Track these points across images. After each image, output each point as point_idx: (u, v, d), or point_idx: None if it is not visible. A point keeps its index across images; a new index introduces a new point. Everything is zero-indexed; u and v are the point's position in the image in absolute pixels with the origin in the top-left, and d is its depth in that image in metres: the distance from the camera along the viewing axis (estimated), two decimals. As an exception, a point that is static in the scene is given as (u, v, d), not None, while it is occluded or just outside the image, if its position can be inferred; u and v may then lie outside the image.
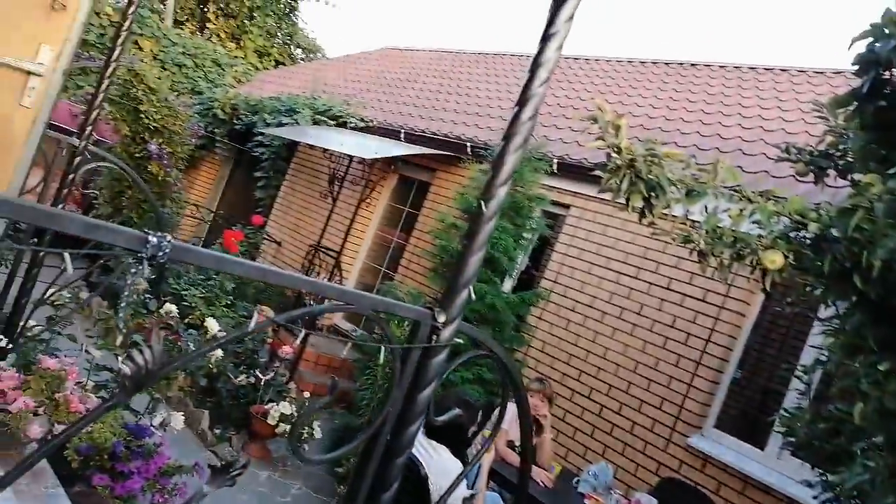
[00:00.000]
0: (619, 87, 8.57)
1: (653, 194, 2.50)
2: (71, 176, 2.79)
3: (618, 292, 5.76)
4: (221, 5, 14.96)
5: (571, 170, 6.30)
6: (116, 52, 2.78)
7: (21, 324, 2.72)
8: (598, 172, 2.70)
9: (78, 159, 2.75)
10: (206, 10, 14.91)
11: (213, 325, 3.61)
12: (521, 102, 1.24)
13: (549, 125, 7.49)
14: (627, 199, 2.60)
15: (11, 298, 3.01)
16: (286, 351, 5.30)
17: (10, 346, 2.71)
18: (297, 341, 6.34)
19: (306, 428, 5.13)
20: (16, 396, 2.51)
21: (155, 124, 7.17)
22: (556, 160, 6.32)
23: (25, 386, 2.58)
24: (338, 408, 6.61)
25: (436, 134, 7.86)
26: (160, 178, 7.30)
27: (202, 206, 10.43)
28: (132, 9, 2.76)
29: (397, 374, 1.21)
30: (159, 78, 7.39)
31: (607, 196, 2.71)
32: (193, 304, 5.68)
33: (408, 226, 8.14)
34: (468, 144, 7.27)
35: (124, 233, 0.82)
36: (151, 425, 3.14)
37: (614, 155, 2.46)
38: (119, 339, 3.15)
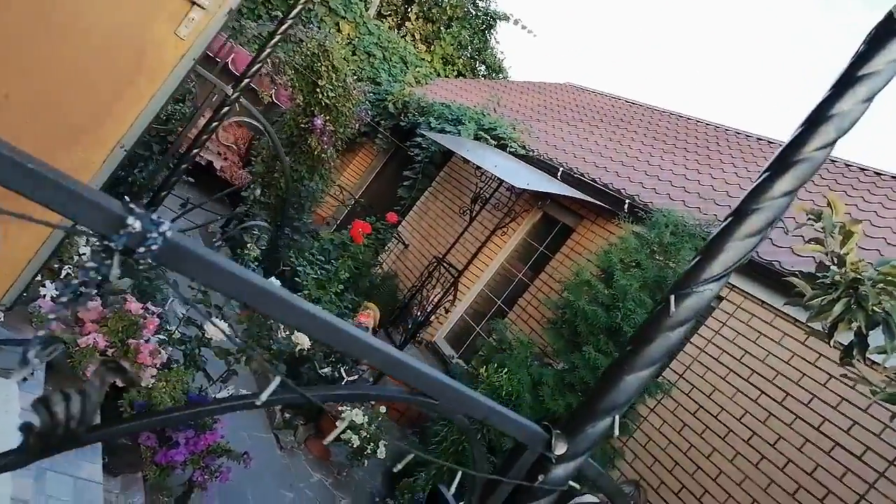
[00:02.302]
0: (854, 191, 7.18)
1: (871, 333, 1.88)
2: (215, 123, 2.65)
3: (753, 413, 4.92)
4: (425, 8, 15.40)
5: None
6: (294, 12, 2.61)
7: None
8: (793, 280, 2.10)
9: (226, 109, 2.61)
10: (409, 9, 15.42)
11: (304, 340, 3.39)
12: (777, 168, 0.79)
13: (724, 204, 6.71)
14: (832, 328, 1.98)
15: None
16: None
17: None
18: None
19: (371, 444, 4.83)
20: (91, 330, 2.40)
21: (327, 100, 7.30)
22: (721, 244, 5.58)
23: (103, 323, 2.47)
24: (411, 430, 6.27)
25: (595, 181, 7.34)
26: (316, 152, 7.42)
27: (347, 190, 10.63)
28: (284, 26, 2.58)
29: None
30: (345, 59, 7.52)
31: (794, 311, 2.08)
32: (305, 283, 5.61)
33: (538, 266, 7.67)
34: (627, 201, 6.69)
35: (89, 203, 0.49)
36: (215, 397, 2.95)
37: (833, 267, 1.87)
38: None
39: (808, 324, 2.03)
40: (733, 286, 5.55)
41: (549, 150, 8.71)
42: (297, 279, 5.61)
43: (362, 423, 4.88)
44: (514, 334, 5.26)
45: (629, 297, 4.79)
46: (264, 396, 0.63)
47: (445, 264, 7.66)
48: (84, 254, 2.39)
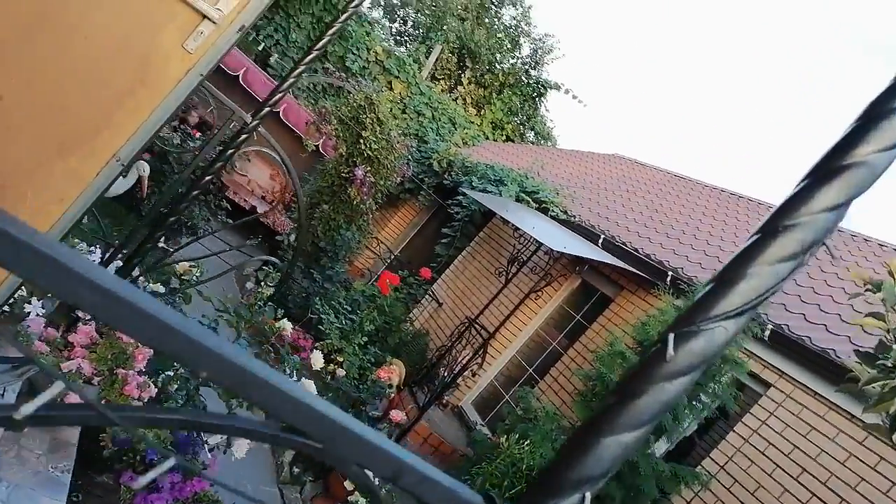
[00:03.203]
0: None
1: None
2: (231, 150, 2.57)
3: (802, 516, 4.41)
4: (478, 74, 15.74)
5: (791, 346, 5.09)
6: (320, 44, 2.56)
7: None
8: (848, 363, 1.81)
9: (244, 136, 2.53)
10: (462, 74, 15.79)
11: (317, 358, 3.21)
12: (820, 174, 0.58)
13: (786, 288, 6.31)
14: (894, 421, 1.68)
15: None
16: (395, 417, 4.79)
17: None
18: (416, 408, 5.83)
19: (378, 509, 4.50)
20: (79, 355, 2.28)
21: (370, 152, 7.34)
22: (770, 326, 5.19)
23: (92, 349, 2.35)
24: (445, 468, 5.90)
25: (637, 250, 7.07)
26: (355, 202, 7.41)
27: (384, 243, 10.59)
28: (344, 16, 2.53)
29: None
30: (391, 113, 7.61)
31: (850, 404, 1.81)
32: (328, 331, 5.45)
33: (573, 335, 7.34)
34: (671, 273, 6.37)
35: None
36: (206, 441, 2.76)
37: (895, 347, 1.60)
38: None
39: (865, 414, 1.73)
40: (782, 372, 5.13)
41: (591, 216, 8.51)
42: (320, 327, 5.47)
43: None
44: (542, 404, 4.93)
45: (665, 373, 4.44)
46: (29, 409, 0.45)
47: (477, 325, 7.42)
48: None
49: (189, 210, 6.31)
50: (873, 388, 1.66)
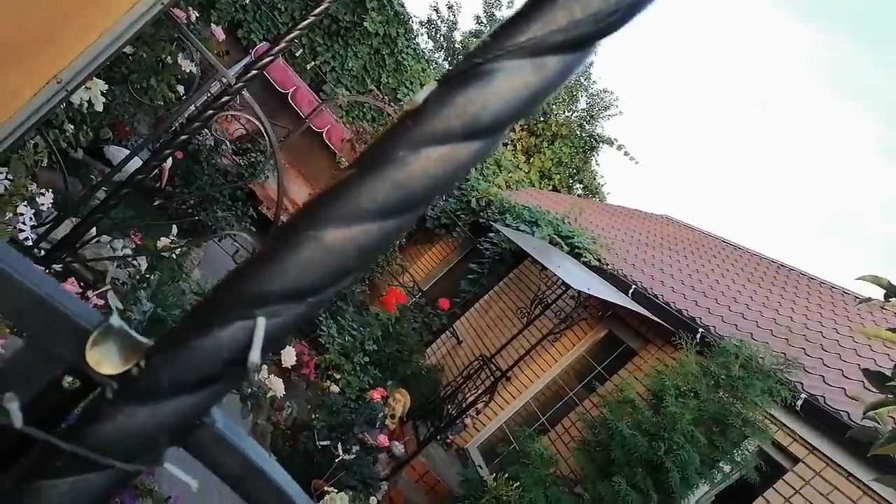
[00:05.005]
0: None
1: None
2: (210, 111, 2.46)
3: None
4: (531, 122, 15.72)
5: (826, 419, 4.59)
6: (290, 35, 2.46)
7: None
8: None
9: (225, 98, 2.42)
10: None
11: (277, 387, 2.98)
12: None
13: (816, 356, 5.81)
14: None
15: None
16: (381, 441, 4.50)
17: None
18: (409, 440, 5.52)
19: (351, 539, 4.19)
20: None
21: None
22: (804, 395, 4.71)
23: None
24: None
25: (668, 304, 6.67)
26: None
27: (411, 276, 10.41)
28: (319, 8, 2.42)
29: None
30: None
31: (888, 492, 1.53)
32: (327, 345, 5.25)
33: (591, 387, 6.93)
34: (700, 330, 5.95)
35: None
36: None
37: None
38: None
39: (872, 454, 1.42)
40: (813, 448, 4.62)
41: (625, 267, 8.15)
42: (320, 340, 5.27)
43: (346, 511, 4.27)
44: (540, 447, 4.55)
45: (678, 428, 4.03)
46: None
47: (492, 364, 7.09)
48: (22, 214, 2.19)
49: (212, 212, 6.31)
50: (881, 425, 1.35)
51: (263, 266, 0.38)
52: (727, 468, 4.49)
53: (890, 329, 1.39)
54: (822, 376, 5.26)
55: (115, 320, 0.38)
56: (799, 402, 4.68)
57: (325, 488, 4.36)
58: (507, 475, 4.19)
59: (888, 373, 1.32)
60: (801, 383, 4.83)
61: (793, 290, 9.16)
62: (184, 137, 2.46)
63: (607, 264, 8.02)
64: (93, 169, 5.44)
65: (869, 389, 1.41)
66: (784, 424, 4.76)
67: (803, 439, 4.66)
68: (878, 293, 1.42)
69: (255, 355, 0.37)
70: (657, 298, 6.82)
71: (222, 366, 0.38)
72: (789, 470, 4.63)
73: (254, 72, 2.45)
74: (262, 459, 0.42)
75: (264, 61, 2.46)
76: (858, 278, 1.40)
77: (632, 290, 7.12)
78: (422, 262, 11.74)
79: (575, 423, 6.37)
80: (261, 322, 0.37)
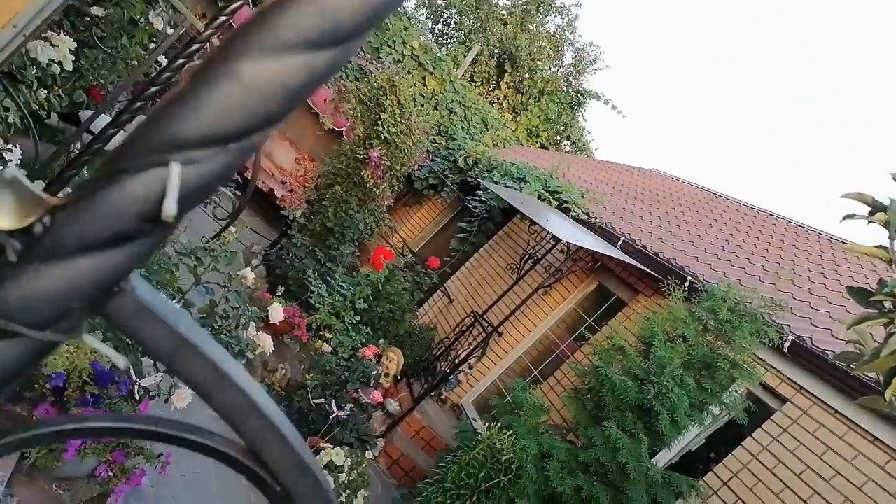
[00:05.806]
0: None
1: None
2: (181, 61, 2.36)
3: (810, 544, 3.98)
4: (517, 79, 15.49)
5: (813, 359, 4.64)
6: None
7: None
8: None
9: (195, 47, 2.32)
10: (501, 78, 15.57)
11: (276, 312, 2.96)
12: None
13: (803, 299, 5.86)
14: (888, 379, 1.36)
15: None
16: (374, 397, 4.53)
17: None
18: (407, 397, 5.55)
19: (347, 492, 4.25)
20: None
21: (387, 135, 7.15)
22: (791, 338, 4.76)
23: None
24: (400, 480, 5.62)
25: (657, 254, 6.68)
26: (368, 185, 7.22)
27: (401, 237, 10.37)
28: None
29: None
30: (412, 97, 7.41)
31: (871, 423, 1.50)
32: (318, 305, 5.24)
33: (583, 338, 6.98)
34: (688, 278, 5.98)
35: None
36: (136, 381, 2.54)
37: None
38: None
39: (858, 372, 1.41)
40: (801, 387, 4.69)
41: (614, 219, 8.14)
42: (310, 300, 5.26)
43: (342, 466, 4.32)
44: (532, 397, 4.60)
45: (667, 373, 4.08)
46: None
47: (483, 321, 7.12)
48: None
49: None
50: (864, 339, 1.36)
51: (177, 107, 0.34)
52: (717, 410, 4.56)
53: (876, 247, 1.37)
54: (809, 318, 5.31)
55: (10, 171, 0.34)
56: (786, 344, 4.73)
57: (321, 444, 4.40)
58: (500, 425, 4.24)
59: (872, 290, 1.31)
60: (789, 325, 4.88)
61: (780, 238, 9.22)
62: (156, 89, 2.37)
63: (596, 217, 8.00)
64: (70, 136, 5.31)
65: (852, 313, 1.40)
66: (772, 366, 4.82)
67: (791, 380, 4.73)
68: (863, 210, 1.40)
69: (169, 205, 0.33)
70: (646, 249, 6.83)
71: (136, 220, 0.34)
72: (777, 410, 4.71)
73: (223, 17, 2.36)
74: (195, 332, 0.39)
75: (233, 6, 2.36)
76: (843, 195, 1.38)
77: (620, 242, 7.13)
78: (411, 224, 11.68)
79: (567, 375, 6.43)
80: (175, 168, 0.33)
